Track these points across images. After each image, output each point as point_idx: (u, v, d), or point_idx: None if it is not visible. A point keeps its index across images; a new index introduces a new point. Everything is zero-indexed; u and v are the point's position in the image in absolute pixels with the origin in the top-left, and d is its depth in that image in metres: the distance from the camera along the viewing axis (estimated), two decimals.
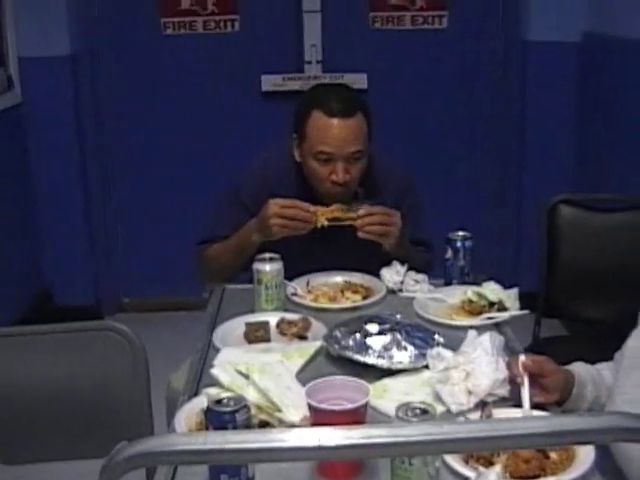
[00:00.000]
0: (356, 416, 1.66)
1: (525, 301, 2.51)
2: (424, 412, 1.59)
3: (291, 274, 2.64)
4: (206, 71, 4.85)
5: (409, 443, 1.08)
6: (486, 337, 2.02)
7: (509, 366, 1.95)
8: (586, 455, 1.73)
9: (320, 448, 1.04)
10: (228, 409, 1.65)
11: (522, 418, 1.50)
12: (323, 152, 2.68)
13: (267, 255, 2.52)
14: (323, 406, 1.65)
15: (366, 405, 1.69)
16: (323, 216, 2.62)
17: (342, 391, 1.74)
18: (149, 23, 4.77)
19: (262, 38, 4.78)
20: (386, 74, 4.82)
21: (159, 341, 3.48)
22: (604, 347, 2.10)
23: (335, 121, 2.66)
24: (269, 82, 4.77)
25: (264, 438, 1.05)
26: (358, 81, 4.57)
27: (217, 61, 4.84)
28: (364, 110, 2.74)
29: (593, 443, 1.59)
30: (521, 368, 1.91)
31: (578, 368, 2.08)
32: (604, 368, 2.13)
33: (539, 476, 1.67)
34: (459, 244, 2.63)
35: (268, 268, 2.49)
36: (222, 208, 2.92)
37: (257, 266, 2.50)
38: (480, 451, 1.63)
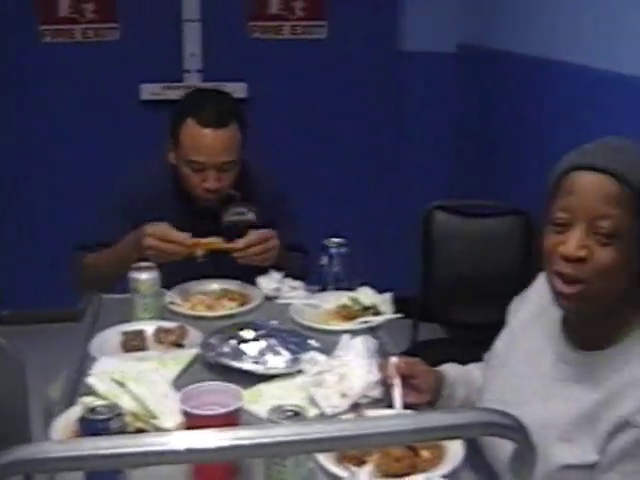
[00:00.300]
0: (230, 420, 1.67)
1: (403, 306, 2.56)
2: (296, 414, 1.62)
3: (168, 282, 2.64)
4: (85, 79, 4.79)
5: (278, 443, 1.10)
6: (359, 340, 2.07)
7: (381, 368, 2.00)
8: (456, 452, 1.78)
9: (190, 451, 1.05)
10: (101, 417, 1.65)
11: (389, 416, 1.55)
12: (195, 161, 2.69)
13: (143, 264, 2.51)
14: (196, 411, 1.67)
15: (239, 410, 1.71)
16: (201, 249, 2.63)
17: (216, 396, 1.75)
18: (27, 30, 4.68)
19: (142, 47, 4.75)
20: (266, 83, 4.85)
21: (38, 353, 3.43)
22: (479, 349, 2.16)
23: (208, 131, 2.68)
24: (148, 91, 4.75)
25: (134, 443, 1.05)
26: (238, 90, 4.58)
27: (96, 69, 4.78)
28: (238, 119, 2.76)
29: (458, 438, 1.64)
30: (393, 370, 1.96)
31: (449, 369, 2.14)
32: (474, 369, 2.19)
33: (410, 474, 1.70)
34: (334, 251, 2.67)
35: (144, 277, 2.48)
36: (102, 213, 2.91)
37: (133, 275, 2.49)
38: (348, 449, 1.66)
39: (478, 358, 2.19)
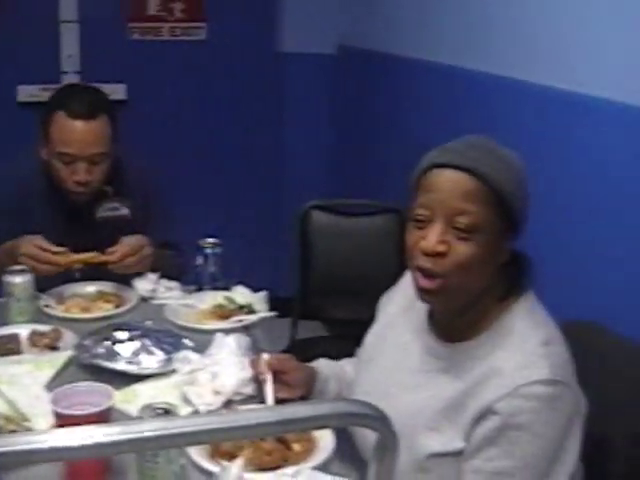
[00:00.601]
0: (101, 419, 1.68)
1: (284, 305, 2.60)
2: (166, 412, 1.65)
3: (44, 285, 2.63)
4: None
5: (143, 439, 1.12)
6: (231, 339, 2.11)
7: (253, 365, 2.03)
8: (326, 444, 1.84)
9: (53, 450, 1.07)
10: None
11: (253, 409, 1.58)
12: (65, 154, 2.69)
13: (17, 267, 2.51)
14: (66, 411, 1.68)
15: (110, 409, 1.73)
16: (77, 264, 2.64)
17: (87, 397, 1.76)
18: None
19: (18, 48, 4.67)
20: (146, 85, 4.83)
21: None
22: (357, 345, 2.21)
23: (77, 123, 2.68)
24: (25, 92, 4.68)
25: (6, 442, 1.07)
26: (117, 92, 4.57)
27: None
28: (107, 111, 2.77)
29: (321, 428, 1.69)
30: (264, 366, 2.00)
31: (321, 364, 2.19)
32: (347, 364, 2.24)
33: (282, 467, 1.74)
34: (209, 251, 2.70)
35: (18, 280, 2.48)
36: None
37: (7, 278, 2.48)
38: (214, 442, 1.69)
39: (353, 354, 2.24)
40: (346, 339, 3.61)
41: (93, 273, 2.72)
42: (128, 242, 2.68)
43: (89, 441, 1.10)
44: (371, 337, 2.11)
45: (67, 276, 2.69)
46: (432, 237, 1.68)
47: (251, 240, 4.97)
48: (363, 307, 3.45)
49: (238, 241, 2.87)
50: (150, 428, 1.14)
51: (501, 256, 1.73)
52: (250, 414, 1.21)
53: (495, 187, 1.67)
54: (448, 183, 1.70)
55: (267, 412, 1.25)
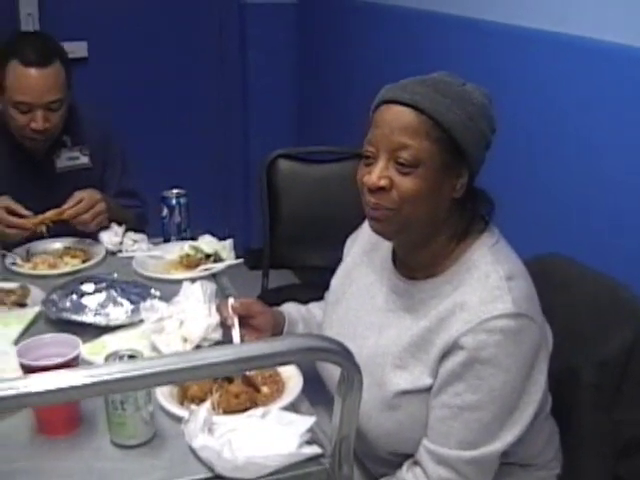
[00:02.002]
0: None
1: (255, 254, 2.60)
2: (131, 358, 1.66)
3: (11, 243, 2.63)
4: None
5: (108, 381, 1.14)
6: (197, 286, 2.11)
7: (219, 310, 2.04)
8: (294, 385, 1.86)
9: (21, 395, 1.08)
10: None
11: (212, 348, 1.58)
12: (22, 102, 2.67)
13: None
14: (33, 363, 1.68)
15: (77, 358, 1.73)
16: (43, 224, 2.63)
17: (54, 348, 1.76)
18: None
19: None
20: (106, 41, 4.77)
21: None
22: (326, 291, 2.22)
23: (32, 71, 2.66)
24: None
25: None
26: (78, 49, 4.53)
27: None
28: (62, 58, 2.75)
29: (282, 364, 1.70)
30: (230, 311, 2.01)
31: (289, 308, 2.21)
32: (315, 307, 2.26)
33: (250, 409, 1.75)
34: (174, 201, 2.70)
35: None
36: None
37: None
38: (177, 382, 1.70)
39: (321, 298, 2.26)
40: (317, 286, 3.65)
41: (60, 230, 2.71)
42: (81, 195, 2.68)
43: (56, 386, 1.12)
44: (337, 279, 2.13)
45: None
46: (375, 173, 1.71)
47: (219, 191, 4.97)
48: (332, 253, 3.47)
49: (208, 193, 2.86)
50: (115, 370, 1.16)
51: (453, 191, 1.74)
52: (212, 352, 1.23)
53: (438, 120, 1.67)
54: (390, 118, 1.71)
55: (229, 350, 1.27)
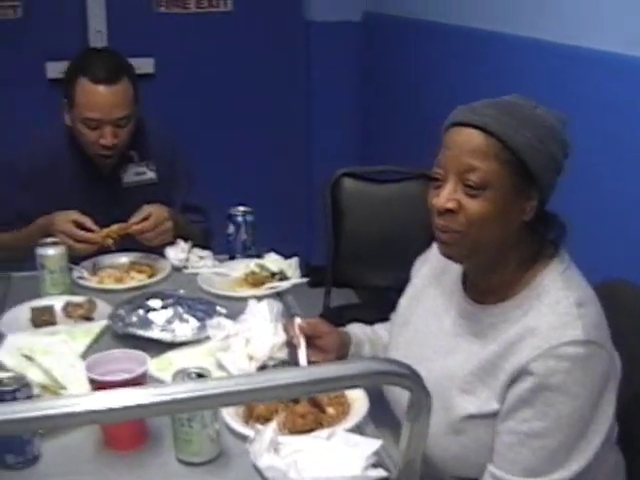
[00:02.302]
0: (136, 386, 1.69)
1: (318, 273, 2.60)
2: (200, 377, 1.66)
3: (77, 257, 2.66)
4: None
5: (176, 401, 1.13)
6: (264, 304, 2.11)
7: (286, 329, 2.04)
8: (360, 407, 1.85)
9: (88, 412, 1.08)
10: (8, 388, 1.66)
11: (283, 370, 1.58)
12: (91, 119, 2.71)
13: (50, 240, 2.53)
14: (102, 378, 1.69)
15: (145, 374, 1.74)
16: (110, 237, 2.66)
17: (122, 364, 1.77)
18: None
19: (46, 24, 4.68)
20: (173, 58, 4.82)
21: None
22: (389, 311, 2.21)
23: (101, 88, 2.70)
24: (54, 69, 4.67)
25: (37, 407, 1.08)
26: (145, 66, 4.56)
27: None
28: (129, 74, 2.79)
29: (352, 388, 1.70)
30: (296, 330, 2.01)
31: (355, 329, 2.20)
32: (380, 328, 2.25)
33: (315, 429, 1.75)
34: (240, 219, 2.71)
35: (51, 252, 2.49)
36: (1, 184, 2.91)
37: (40, 251, 2.50)
38: (248, 403, 1.71)
39: (386, 319, 2.25)
40: (378, 306, 3.64)
41: (126, 244, 2.74)
42: (149, 211, 2.71)
43: (124, 403, 1.12)
44: (405, 301, 2.11)
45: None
46: (443, 195, 1.70)
47: (283, 209, 4.98)
48: (394, 274, 3.47)
49: (271, 210, 2.86)
50: (183, 390, 1.15)
51: (522, 214, 1.72)
52: (282, 374, 1.22)
53: (506, 143, 1.66)
54: (459, 140, 1.71)
55: (299, 372, 1.26)
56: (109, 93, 2.71)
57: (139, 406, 1.12)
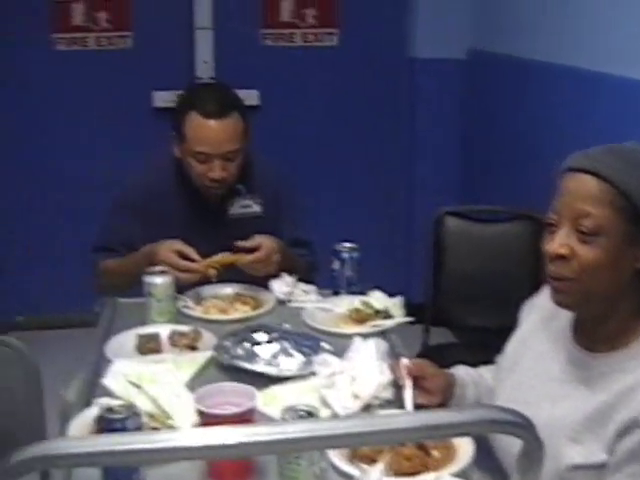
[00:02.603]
0: (244, 420, 1.70)
1: (414, 310, 2.58)
2: (309, 414, 1.65)
3: (182, 287, 2.68)
4: (98, 87, 4.82)
5: (291, 440, 1.12)
6: (371, 343, 2.10)
7: (392, 369, 2.02)
8: (466, 451, 1.81)
9: (207, 447, 1.08)
10: (119, 416, 1.67)
11: (398, 413, 1.57)
12: (201, 152, 2.74)
13: (158, 268, 2.56)
14: (211, 411, 1.69)
15: (253, 409, 1.74)
16: (212, 268, 2.66)
17: (230, 397, 1.78)
18: (40, 38, 4.72)
19: (154, 54, 4.79)
20: (278, 91, 4.88)
21: (52, 358, 3.46)
22: (489, 353, 2.19)
23: (211, 122, 2.73)
24: (161, 98, 4.78)
25: (151, 439, 1.08)
26: (250, 98, 4.60)
27: (109, 77, 4.81)
28: (239, 108, 2.81)
29: (466, 435, 1.67)
30: (403, 371, 1.99)
31: (459, 371, 2.17)
32: (485, 371, 2.21)
33: (421, 472, 1.73)
34: (346, 255, 2.70)
35: (159, 281, 2.52)
36: (112, 212, 2.97)
37: (148, 279, 2.53)
38: (359, 446, 1.69)
39: (487, 361, 2.22)
40: (476, 346, 3.61)
41: (229, 276, 2.75)
42: (260, 241, 2.71)
43: (235, 441, 1.11)
44: (512, 345, 2.08)
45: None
46: (556, 241, 1.69)
47: (383, 245, 4.97)
48: (494, 315, 3.44)
49: (370, 246, 2.85)
50: (296, 430, 1.14)
51: (635, 262, 1.69)
52: (396, 419, 1.20)
53: (621, 189, 1.64)
54: (573, 186, 1.70)
55: (413, 417, 1.24)
56: (219, 127, 2.74)
57: (250, 444, 1.11)
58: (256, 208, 2.92)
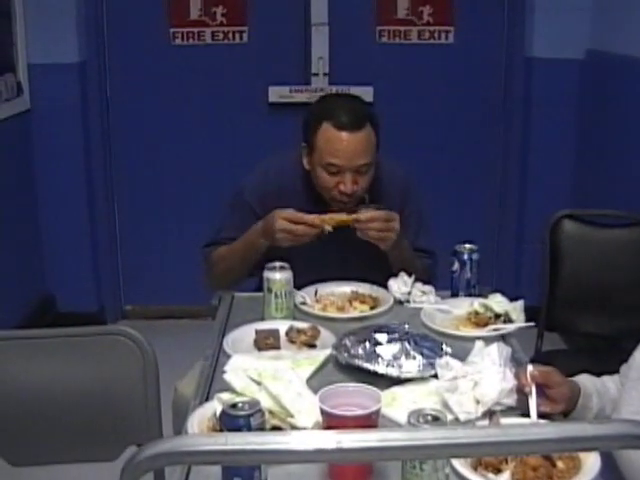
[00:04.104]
0: (368, 422, 1.68)
1: (526, 314, 2.54)
2: (435, 419, 1.63)
3: (300, 283, 2.67)
4: (213, 81, 4.89)
5: (425, 447, 1.11)
6: (494, 347, 2.06)
7: (517, 376, 1.98)
8: (592, 464, 1.76)
9: (339, 450, 1.07)
10: (243, 413, 1.67)
11: (533, 424, 1.55)
12: (332, 164, 2.71)
13: (277, 264, 2.55)
14: (336, 412, 1.68)
15: (378, 412, 1.72)
16: (328, 224, 2.64)
17: (353, 398, 1.76)
18: (158, 32, 4.80)
19: (270, 50, 4.82)
20: (392, 87, 4.86)
21: (162, 348, 3.47)
22: (603, 361, 2.14)
23: (344, 134, 2.70)
24: (276, 93, 4.81)
25: (283, 440, 1.07)
26: (364, 94, 4.53)
27: (225, 72, 4.87)
28: (372, 121, 2.77)
29: (601, 450, 1.62)
30: (529, 378, 1.95)
31: (583, 380, 2.12)
32: (608, 381, 2.16)
33: None
34: (466, 256, 2.67)
35: (278, 276, 2.52)
36: (227, 210, 2.97)
37: (267, 274, 2.53)
38: (493, 455, 1.66)
39: (599, 370, 2.18)
40: (591, 354, 3.54)
41: (349, 273, 2.75)
42: (378, 213, 2.68)
43: (373, 445, 1.10)
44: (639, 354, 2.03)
45: (322, 267, 2.74)
46: None
47: (494, 248, 4.92)
48: (611, 323, 3.37)
49: (481, 248, 2.81)
50: (430, 437, 1.13)
51: None
52: (529, 430, 1.17)
53: None
54: None
55: (551, 428, 1.21)
56: (352, 140, 2.70)
57: (385, 448, 1.10)
58: None
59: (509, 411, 1.97)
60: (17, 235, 4.59)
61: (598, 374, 2.18)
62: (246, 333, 2.42)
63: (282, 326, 2.44)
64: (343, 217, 2.67)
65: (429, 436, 1.13)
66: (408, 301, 2.67)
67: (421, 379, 2.12)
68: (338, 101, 2.92)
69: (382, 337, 2.18)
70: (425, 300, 2.64)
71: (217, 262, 2.92)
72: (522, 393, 1.96)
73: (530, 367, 1.98)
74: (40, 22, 4.53)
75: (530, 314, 2.58)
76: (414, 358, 2.14)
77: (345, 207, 2.76)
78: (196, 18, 4.83)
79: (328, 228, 2.64)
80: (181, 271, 4.82)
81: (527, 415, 1.91)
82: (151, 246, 5.09)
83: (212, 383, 2.18)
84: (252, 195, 2.88)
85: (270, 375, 1.99)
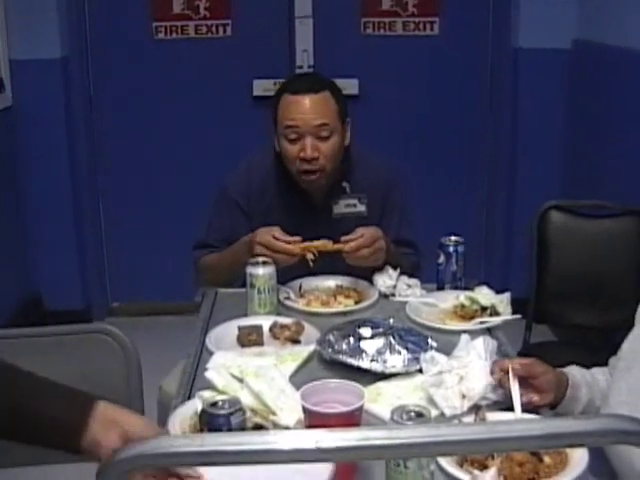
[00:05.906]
0: (351, 419, 1.65)
1: (515, 306, 2.51)
2: (419, 415, 1.60)
3: (284, 278, 2.65)
4: (197, 75, 4.86)
5: (407, 445, 1.07)
6: (479, 341, 2.03)
7: (495, 369, 1.95)
8: (580, 459, 1.74)
9: (319, 450, 1.04)
10: (223, 411, 1.65)
11: (519, 420, 1.52)
12: (290, 126, 2.71)
13: (260, 259, 2.53)
14: (318, 409, 1.65)
15: (361, 408, 1.69)
16: (311, 252, 2.61)
17: (336, 394, 1.73)
18: (141, 27, 4.77)
19: (254, 43, 4.79)
20: (377, 79, 4.83)
21: (148, 346, 3.44)
22: (592, 352, 2.12)
23: (300, 97, 2.72)
24: (260, 87, 4.77)
25: (261, 440, 1.04)
26: (349, 86, 4.56)
27: (208, 65, 4.84)
28: (332, 89, 2.78)
29: (588, 445, 1.59)
30: (510, 372, 1.92)
31: (572, 371, 2.10)
32: (598, 372, 2.14)
33: (533, 479, 1.67)
34: (452, 249, 2.64)
35: (261, 272, 2.49)
36: (214, 210, 2.95)
37: (250, 270, 2.51)
38: (478, 453, 1.63)
39: (590, 361, 2.16)
40: (576, 345, 3.52)
41: (327, 266, 2.70)
42: (363, 232, 2.63)
43: (353, 444, 1.07)
44: (628, 345, 2.01)
45: (304, 267, 2.69)
46: None
47: (482, 239, 4.90)
48: (599, 314, 3.35)
49: (469, 240, 2.78)
50: (414, 435, 1.09)
51: None
52: (514, 426, 1.14)
53: None
54: None
55: (532, 425, 1.18)
56: (308, 101, 2.72)
57: (366, 447, 1.07)
58: (361, 208, 2.84)
59: (495, 405, 1.94)
60: (2, 233, 4.54)
61: (588, 366, 2.15)
62: (229, 329, 2.39)
63: (266, 322, 2.41)
64: (327, 246, 2.62)
65: (411, 434, 1.10)
66: (393, 295, 2.65)
67: (406, 374, 2.10)
68: (298, 76, 2.93)
69: (366, 332, 2.15)
70: (410, 293, 2.61)
71: (204, 270, 2.91)
72: (506, 387, 1.93)
73: (507, 361, 1.96)
74: (21, 17, 4.49)
75: (519, 306, 2.57)
76: (399, 353, 2.11)
77: (313, 184, 2.77)
78: (179, 12, 4.79)
79: (310, 256, 2.61)
80: (167, 268, 4.80)
81: (512, 409, 1.88)
82: (137, 243, 5.05)
83: (195, 381, 2.15)
84: (237, 192, 2.87)
85: (252, 372, 1.96)
